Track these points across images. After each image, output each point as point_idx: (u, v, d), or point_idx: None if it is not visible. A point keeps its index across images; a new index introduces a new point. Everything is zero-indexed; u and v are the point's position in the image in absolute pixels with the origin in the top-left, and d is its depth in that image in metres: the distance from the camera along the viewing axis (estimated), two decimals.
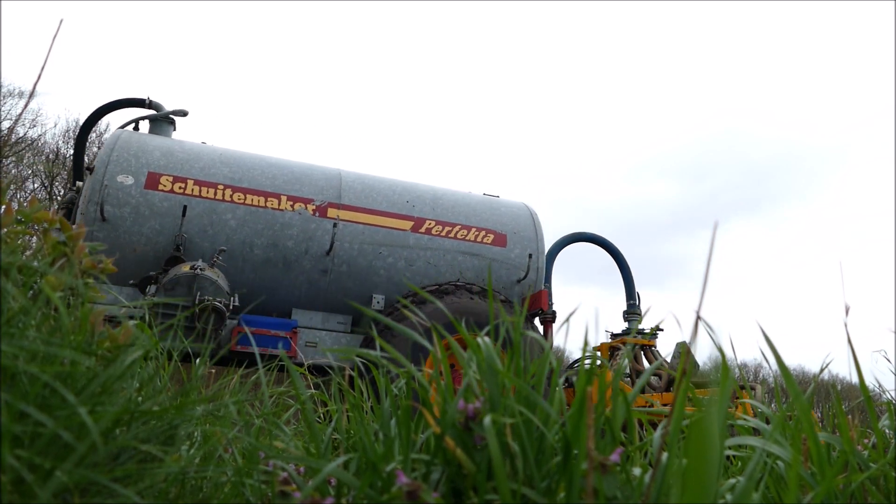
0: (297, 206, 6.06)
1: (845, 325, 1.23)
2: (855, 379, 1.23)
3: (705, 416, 0.61)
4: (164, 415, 0.95)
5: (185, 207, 5.61)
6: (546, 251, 7.34)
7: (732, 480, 1.03)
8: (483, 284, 6.31)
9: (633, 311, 7.88)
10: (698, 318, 0.74)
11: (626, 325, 7.82)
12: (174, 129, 6.61)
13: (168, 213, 5.61)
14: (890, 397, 1.61)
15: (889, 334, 1.58)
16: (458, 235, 6.54)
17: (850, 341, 1.20)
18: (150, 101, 6.55)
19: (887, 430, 1.30)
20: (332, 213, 6.16)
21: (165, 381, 1.23)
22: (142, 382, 1.15)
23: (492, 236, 6.66)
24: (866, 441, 1.30)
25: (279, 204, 6.01)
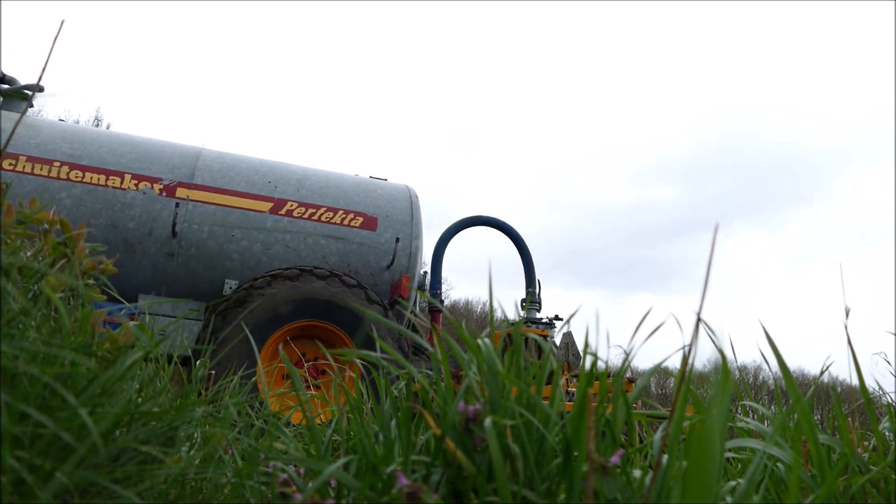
0: (142, 185, 5.62)
1: (845, 328, 1.24)
2: (855, 381, 1.23)
3: (706, 418, 0.61)
4: (164, 416, 0.95)
5: (5, 185, 5.30)
6: (440, 236, 6.94)
7: (733, 482, 1.03)
8: (345, 269, 5.89)
9: (532, 300, 7.35)
10: (699, 319, 0.74)
11: (523, 313, 7.22)
12: (31, 106, 6.20)
13: None
14: (890, 400, 1.60)
15: (889, 337, 1.58)
16: (323, 218, 6.08)
17: (850, 343, 1.20)
18: (4, 76, 6.09)
19: (887, 433, 1.30)
20: (181, 192, 5.71)
21: (165, 383, 1.23)
22: (142, 384, 1.15)
23: (361, 219, 6.20)
24: (866, 444, 1.29)
25: (122, 182, 5.58)
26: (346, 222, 6.16)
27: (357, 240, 6.16)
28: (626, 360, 1.07)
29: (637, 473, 0.90)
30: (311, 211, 6.09)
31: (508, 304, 1.14)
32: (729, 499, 0.92)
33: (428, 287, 6.77)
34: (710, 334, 1.21)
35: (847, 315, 1.28)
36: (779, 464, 1.14)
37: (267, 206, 5.99)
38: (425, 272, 6.86)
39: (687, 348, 0.84)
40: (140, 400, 1.08)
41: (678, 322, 1.07)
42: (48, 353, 0.84)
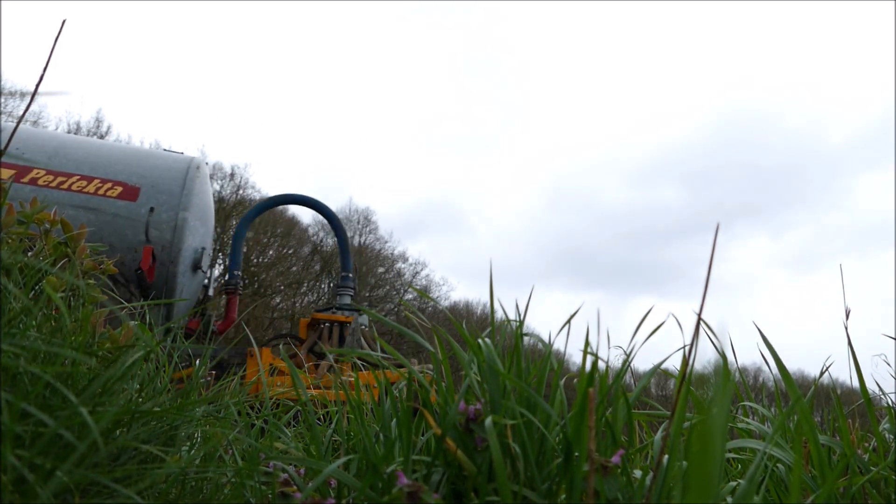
0: None
1: (846, 329, 1.24)
2: (855, 383, 1.23)
3: (707, 418, 0.61)
4: (164, 415, 0.95)
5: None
6: (243, 216, 6.59)
7: (733, 483, 1.03)
8: (96, 243, 5.61)
9: (344, 286, 7.05)
10: (699, 320, 0.74)
11: (339, 299, 7.09)
12: None
13: None
14: (890, 401, 1.60)
15: (889, 339, 1.58)
16: (74, 187, 5.58)
17: (850, 345, 1.20)
18: None
19: (887, 434, 1.30)
20: None
21: (166, 383, 1.23)
22: (142, 383, 1.15)
23: (119, 189, 5.70)
24: (867, 445, 1.30)
25: None
26: (101, 192, 5.67)
27: (112, 211, 5.66)
28: (626, 360, 1.07)
29: (638, 474, 0.90)
30: (60, 179, 5.58)
31: (510, 306, 1.14)
32: (730, 499, 0.92)
33: (204, 265, 6.35)
34: (711, 336, 1.21)
35: (847, 316, 1.28)
36: (779, 464, 1.14)
37: (7, 173, 5.43)
38: (203, 248, 6.36)
39: (687, 349, 0.84)
40: (140, 399, 1.08)
41: (679, 323, 1.07)
42: (49, 352, 0.84)
